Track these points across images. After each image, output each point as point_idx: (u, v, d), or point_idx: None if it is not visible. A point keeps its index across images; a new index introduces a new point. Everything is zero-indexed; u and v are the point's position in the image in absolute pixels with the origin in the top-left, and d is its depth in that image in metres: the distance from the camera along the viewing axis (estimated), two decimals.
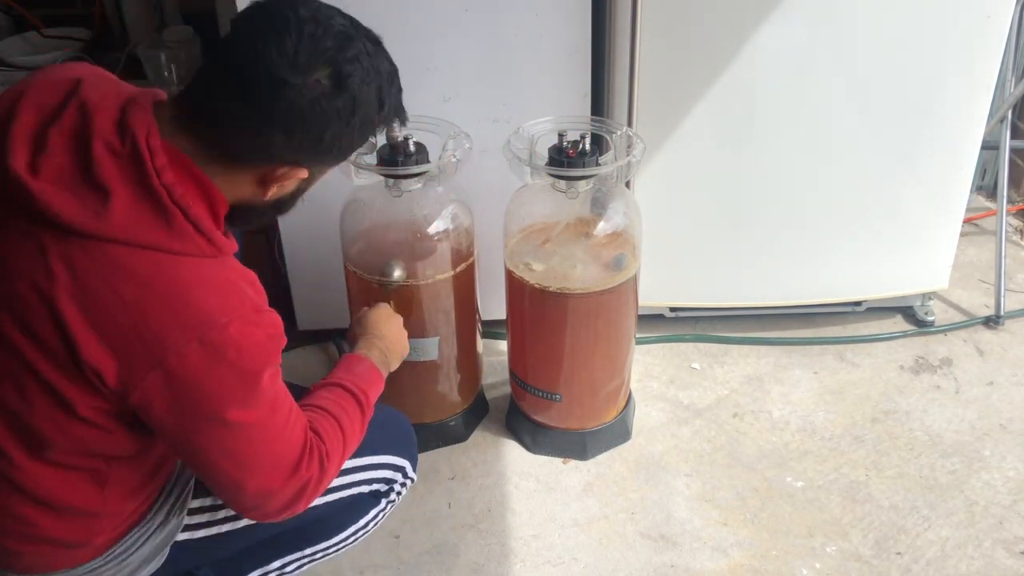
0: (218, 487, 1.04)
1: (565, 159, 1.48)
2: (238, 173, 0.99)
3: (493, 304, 1.84)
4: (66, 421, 0.96)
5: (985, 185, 2.60)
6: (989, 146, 2.09)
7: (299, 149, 0.98)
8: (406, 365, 1.67)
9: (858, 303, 2.08)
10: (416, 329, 1.63)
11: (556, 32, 1.66)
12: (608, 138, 1.56)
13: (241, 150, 0.98)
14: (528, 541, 1.60)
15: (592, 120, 1.60)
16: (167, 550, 1.16)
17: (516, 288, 1.64)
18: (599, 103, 1.79)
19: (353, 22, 0.99)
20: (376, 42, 1.00)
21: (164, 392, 0.93)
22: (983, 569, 1.53)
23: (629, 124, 1.65)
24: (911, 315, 2.12)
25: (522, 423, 1.80)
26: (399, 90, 1.04)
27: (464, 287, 1.66)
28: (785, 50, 1.69)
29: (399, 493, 1.36)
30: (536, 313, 1.65)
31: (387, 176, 1.50)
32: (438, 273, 1.60)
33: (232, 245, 1.00)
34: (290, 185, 1.04)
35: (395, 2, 1.60)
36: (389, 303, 1.46)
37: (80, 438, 0.98)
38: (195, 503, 1.18)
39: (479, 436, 1.83)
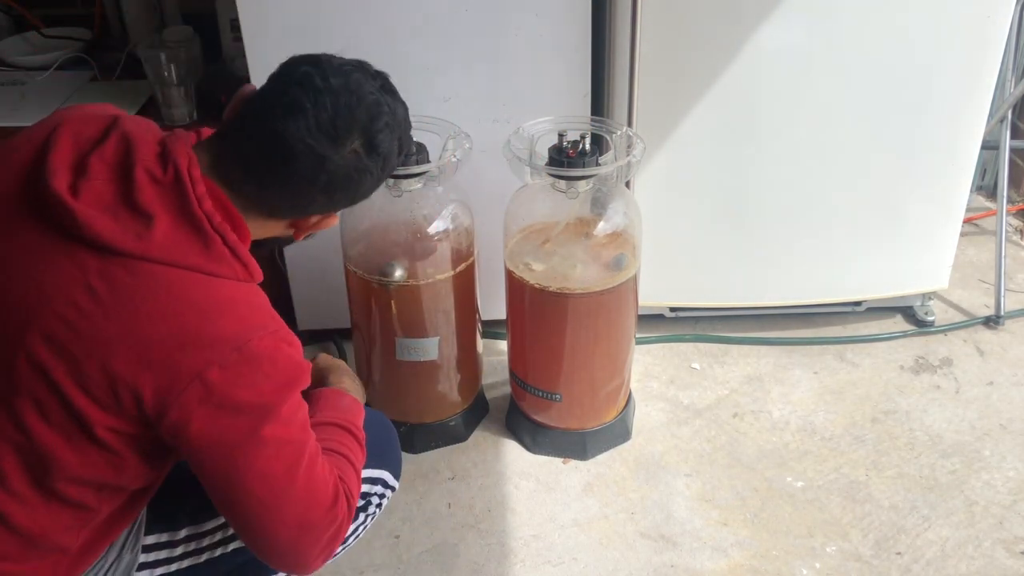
0: (252, 528, 1.01)
1: (565, 159, 1.48)
2: (273, 221, 1.07)
3: (493, 304, 1.84)
4: (79, 442, 0.94)
5: (985, 185, 2.60)
6: (989, 146, 2.09)
7: (336, 204, 1.09)
8: (406, 365, 1.67)
9: (858, 303, 2.09)
10: (416, 329, 1.63)
11: (556, 32, 1.66)
12: (608, 138, 1.56)
13: (281, 208, 1.06)
14: (528, 541, 1.60)
15: (592, 120, 1.60)
16: None
17: (516, 288, 1.64)
18: (599, 103, 1.79)
19: (367, 73, 1.05)
20: (391, 91, 1.08)
21: (202, 407, 0.93)
22: (983, 569, 1.53)
23: (629, 124, 1.65)
24: (911, 315, 2.12)
25: (522, 423, 1.80)
26: (410, 126, 1.13)
27: (464, 287, 1.66)
28: (785, 50, 1.69)
29: (379, 505, 1.31)
30: (536, 313, 1.65)
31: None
32: (438, 273, 1.60)
33: (261, 274, 1.03)
34: (318, 227, 1.12)
35: (395, 2, 1.60)
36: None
37: (87, 463, 0.96)
38: (150, 539, 1.14)
39: (479, 436, 1.83)
